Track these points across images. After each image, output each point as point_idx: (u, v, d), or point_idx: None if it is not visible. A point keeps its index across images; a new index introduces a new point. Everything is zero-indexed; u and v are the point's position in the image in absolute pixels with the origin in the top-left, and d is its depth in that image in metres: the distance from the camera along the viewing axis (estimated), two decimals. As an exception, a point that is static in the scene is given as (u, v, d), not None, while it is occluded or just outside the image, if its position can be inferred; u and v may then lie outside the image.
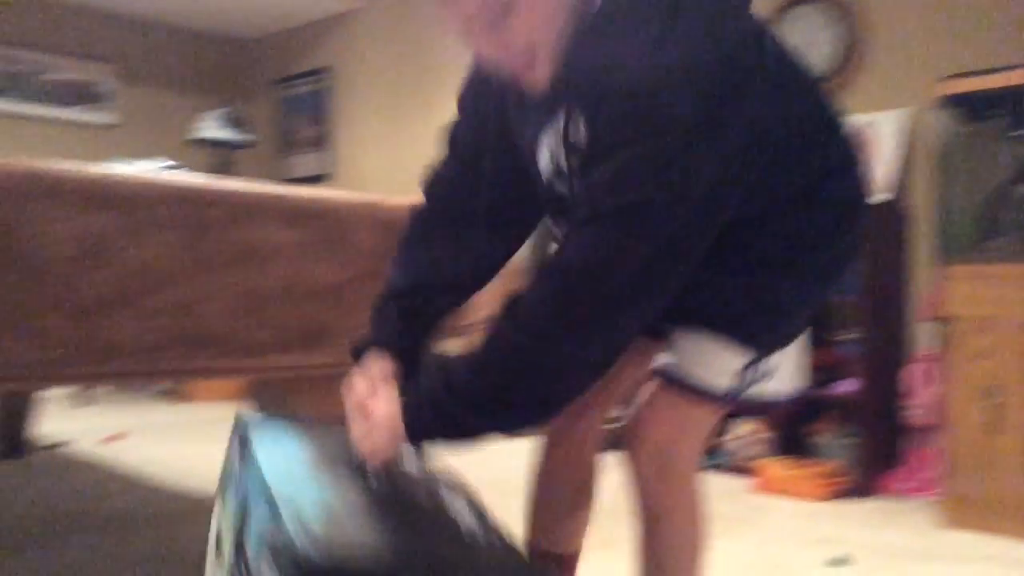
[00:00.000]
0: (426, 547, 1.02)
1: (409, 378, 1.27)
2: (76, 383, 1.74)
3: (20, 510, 2.86)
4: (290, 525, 0.98)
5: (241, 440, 1.33)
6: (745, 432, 3.87)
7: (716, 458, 3.90)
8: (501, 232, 1.33)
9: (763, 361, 1.26)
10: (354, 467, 1.21)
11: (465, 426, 1.12)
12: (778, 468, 3.48)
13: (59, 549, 2.44)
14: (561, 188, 1.20)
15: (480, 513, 1.19)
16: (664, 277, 1.08)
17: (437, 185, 1.36)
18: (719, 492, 3.49)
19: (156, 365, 1.74)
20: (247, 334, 1.81)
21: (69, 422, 4.78)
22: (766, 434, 3.82)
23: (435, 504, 1.16)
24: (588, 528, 1.56)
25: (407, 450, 1.19)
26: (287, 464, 1.18)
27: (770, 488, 3.47)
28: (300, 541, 0.96)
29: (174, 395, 5.92)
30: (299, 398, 2.20)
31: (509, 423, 1.13)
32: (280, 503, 1.03)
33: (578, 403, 1.46)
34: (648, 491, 1.29)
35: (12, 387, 1.70)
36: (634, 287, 1.06)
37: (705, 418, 1.29)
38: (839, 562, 2.53)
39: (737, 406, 1.32)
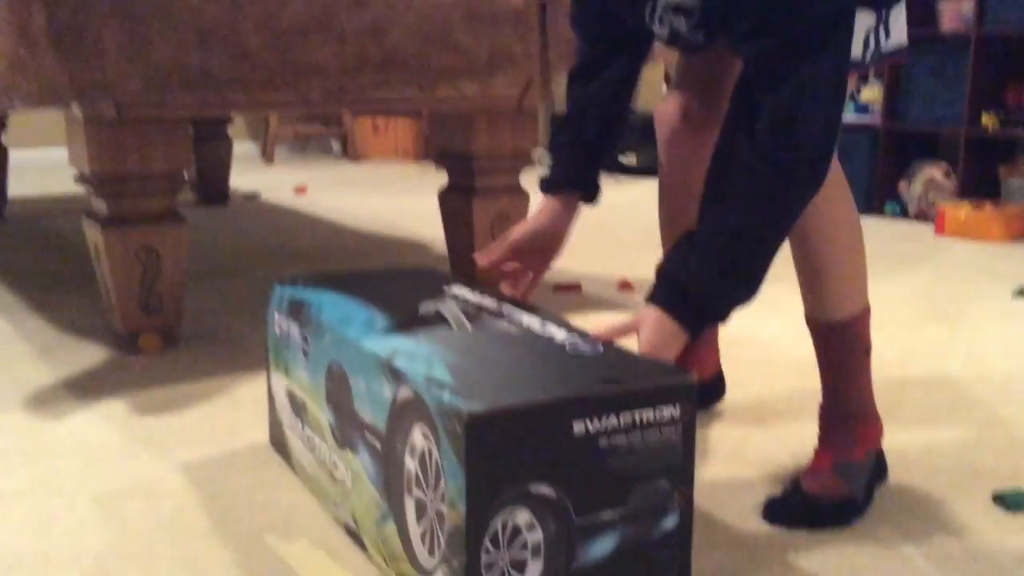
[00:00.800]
0: (558, 373, 0.98)
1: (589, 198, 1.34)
2: (274, 107, 1.84)
3: (220, 246, 3.12)
4: (432, 389, 0.94)
5: (292, 308, 1.32)
6: (930, 176, 3.72)
7: (898, 203, 3.80)
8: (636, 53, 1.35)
9: (885, 20, 1.23)
10: (425, 313, 1.20)
11: (751, 259, 1.10)
12: (963, 210, 3.36)
13: (248, 277, 2.67)
14: (685, 34, 1.16)
15: (567, 324, 1.17)
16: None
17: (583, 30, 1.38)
18: (900, 235, 3.42)
19: (349, 89, 1.81)
20: (434, 58, 1.85)
21: (259, 176, 5.09)
22: (952, 178, 3.66)
23: (525, 330, 1.14)
24: None
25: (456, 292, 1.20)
26: (365, 327, 1.15)
27: (953, 230, 3.37)
28: (456, 401, 0.90)
29: (348, 155, 6.16)
30: (477, 136, 2.25)
31: (788, 222, 1.11)
32: (401, 368, 1.00)
33: (692, 122, 1.46)
34: None
35: (218, 109, 1.81)
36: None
37: None
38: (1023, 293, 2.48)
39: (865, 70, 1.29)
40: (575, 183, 1.33)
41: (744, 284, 1.10)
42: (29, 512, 1.25)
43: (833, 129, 1.09)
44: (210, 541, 1.17)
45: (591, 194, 1.34)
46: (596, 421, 0.94)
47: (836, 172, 1.26)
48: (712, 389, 1.64)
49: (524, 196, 2.41)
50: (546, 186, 1.34)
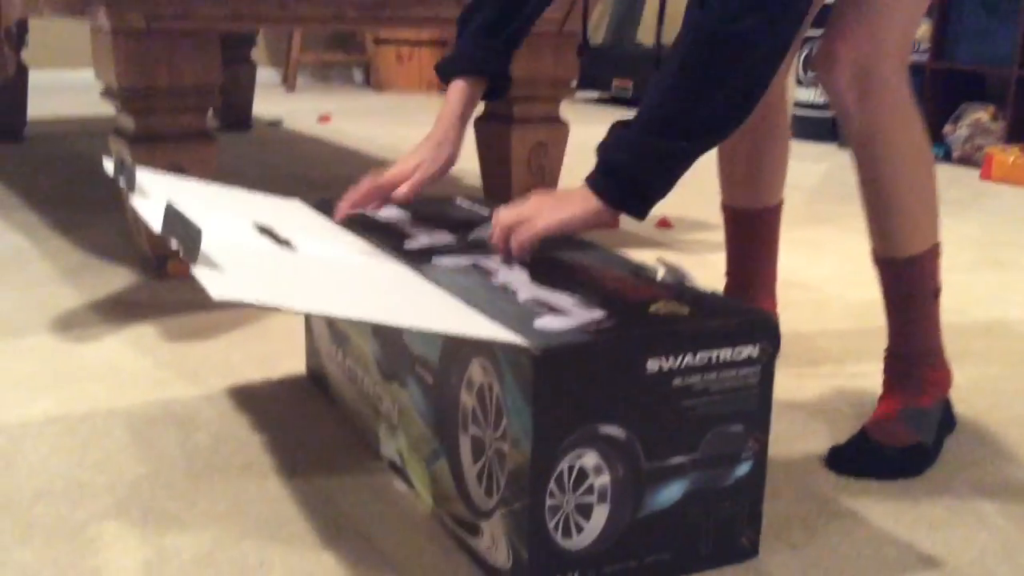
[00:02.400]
0: (623, 302, 0.91)
1: (494, 96, 1.30)
2: (307, 22, 1.75)
3: (245, 172, 3.04)
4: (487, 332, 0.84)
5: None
6: (977, 118, 3.60)
7: (942, 147, 3.68)
8: None
9: None
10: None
11: (670, 150, 0.98)
12: (1011, 155, 3.25)
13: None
14: None
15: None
16: None
17: None
18: (945, 180, 3.30)
19: (385, 4, 1.72)
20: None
21: (280, 104, 4.99)
22: (1000, 121, 3.54)
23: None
24: (786, 175, 1.47)
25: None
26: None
27: (1001, 175, 3.26)
28: (517, 343, 0.82)
29: (370, 84, 6.03)
30: (516, 61, 2.15)
31: (717, 125, 0.99)
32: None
33: None
34: (855, 114, 1.16)
35: (250, 21, 1.72)
36: None
37: (904, 18, 1.14)
38: (1080, 244, 2.38)
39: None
40: (482, 68, 1.28)
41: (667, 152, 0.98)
42: (60, 438, 1.20)
43: None
44: (249, 474, 1.12)
45: (498, 85, 1.30)
46: (671, 359, 0.88)
47: (908, 99, 1.17)
48: None
49: (564, 127, 2.32)
50: (446, 69, 1.29)
